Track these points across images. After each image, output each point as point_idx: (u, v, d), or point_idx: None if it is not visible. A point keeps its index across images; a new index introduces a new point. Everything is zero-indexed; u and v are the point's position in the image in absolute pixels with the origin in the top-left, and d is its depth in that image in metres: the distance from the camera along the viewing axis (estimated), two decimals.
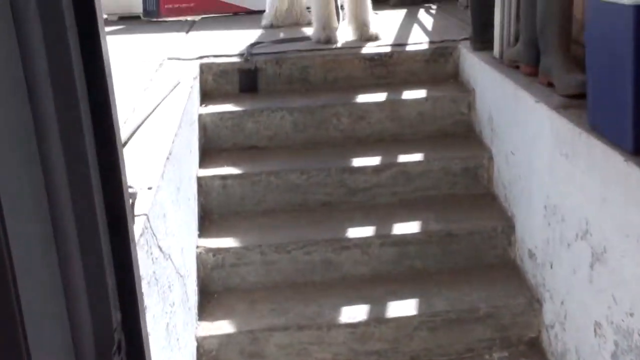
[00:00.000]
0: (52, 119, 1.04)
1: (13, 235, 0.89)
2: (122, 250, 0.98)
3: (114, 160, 1.09)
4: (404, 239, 2.88)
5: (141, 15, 4.91)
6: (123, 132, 2.26)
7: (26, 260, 0.91)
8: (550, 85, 2.60)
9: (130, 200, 1.69)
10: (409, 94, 3.42)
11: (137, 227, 1.71)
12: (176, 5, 4.91)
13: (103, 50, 1.13)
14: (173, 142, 2.33)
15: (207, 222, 3.01)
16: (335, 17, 3.79)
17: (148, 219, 1.80)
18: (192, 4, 4.93)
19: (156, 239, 1.88)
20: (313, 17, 3.87)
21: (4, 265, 0.78)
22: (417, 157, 3.17)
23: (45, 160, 1.00)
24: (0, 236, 0.87)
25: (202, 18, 4.90)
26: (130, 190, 1.70)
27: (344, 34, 3.84)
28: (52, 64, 1.06)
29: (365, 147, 3.29)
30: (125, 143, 2.25)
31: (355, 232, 2.90)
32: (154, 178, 2.00)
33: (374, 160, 3.15)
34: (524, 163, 2.71)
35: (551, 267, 2.43)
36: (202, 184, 3.04)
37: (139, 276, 1.05)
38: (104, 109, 1.10)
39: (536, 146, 2.56)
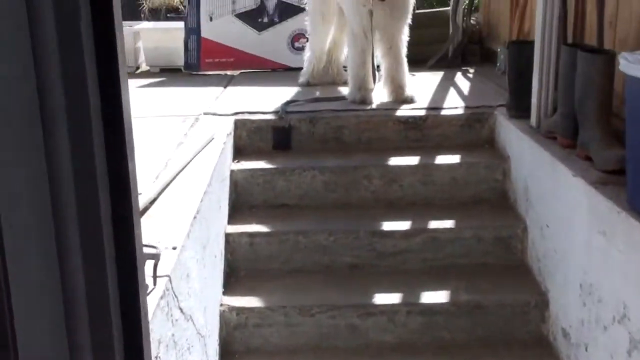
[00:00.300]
0: (69, 183, 1.03)
1: (18, 306, 0.87)
2: (133, 330, 0.95)
3: (129, 230, 1.06)
4: (432, 308, 2.80)
5: (182, 68, 5.00)
6: (153, 188, 2.26)
7: (31, 327, 0.88)
8: (588, 159, 2.54)
9: (153, 262, 1.67)
10: (442, 159, 3.38)
11: (158, 289, 1.68)
12: (216, 60, 5.00)
13: (124, 109, 1.12)
14: (202, 201, 2.32)
15: (233, 279, 2.98)
16: (372, 78, 3.80)
17: (170, 280, 1.77)
18: (232, 59, 5.02)
19: (177, 300, 1.85)
20: (349, 77, 3.89)
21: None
22: (449, 223, 3.11)
23: (59, 224, 0.98)
24: (5, 312, 0.85)
25: (241, 73, 4.97)
26: (153, 251, 1.68)
27: (380, 95, 3.84)
28: (72, 124, 1.05)
29: (395, 210, 3.24)
30: (155, 200, 2.24)
31: (382, 299, 2.83)
32: (180, 238, 1.98)
33: (404, 225, 3.10)
34: (559, 237, 2.62)
35: (586, 349, 2.32)
36: (230, 241, 3.02)
37: (149, 354, 1.02)
38: (123, 176, 1.08)
39: (572, 221, 2.48)
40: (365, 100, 3.72)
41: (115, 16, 1.12)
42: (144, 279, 1.11)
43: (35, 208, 0.97)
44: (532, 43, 3.10)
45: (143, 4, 6.71)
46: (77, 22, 1.05)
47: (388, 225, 3.11)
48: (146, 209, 2.16)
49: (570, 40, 3.08)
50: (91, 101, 1.05)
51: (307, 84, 4.30)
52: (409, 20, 3.79)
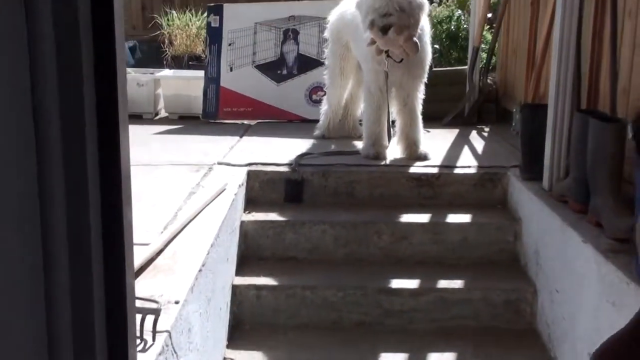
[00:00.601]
0: (61, 234, 1.03)
1: None
2: None
3: (121, 287, 1.06)
4: None
5: (200, 116, 5.07)
6: (160, 239, 2.28)
7: None
8: (599, 225, 2.52)
9: (154, 317, 1.67)
10: (454, 218, 3.37)
11: (157, 345, 1.68)
12: (234, 109, 5.07)
13: (122, 160, 1.13)
14: (208, 253, 2.33)
15: (238, 333, 2.96)
16: (386, 135, 3.82)
17: (170, 336, 1.77)
18: (249, 109, 5.08)
19: (177, 356, 1.84)
20: (364, 132, 3.92)
21: None
22: (458, 283, 3.08)
23: (48, 278, 0.98)
24: None
25: (258, 122, 5.02)
26: (154, 305, 1.68)
27: (393, 151, 3.85)
28: (69, 175, 1.06)
29: (405, 268, 3.22)
30: (161, 251, 2.25)
31: (388, 359, 2.79)
32: (183, 291, 1.98)
33: (412, 283, 3.08)
34: (568, 304, 2.59)
35: None
36: (237, 293, 3.01)
37: None
38: (117, 227, 1.09)
39: (582, 288, 2.45)
40: (379, 156, 3.74)
41: (119, 66, 1.14)
42: (135, 339, 1.10)
43: (26, 255, 0.98)
44: (545, 107, 3.11)
45: (166, 51, 6.85)
46: (78, 68, 1.07)
47: (396, 283, 3.08)
48: (152, 260, 2.17)
49: (584, 105, 3.10)
50: (88, 149, 1.06)
51: (323, 137, 4.33)
52: (425, 79, 3.83)
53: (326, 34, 4.34)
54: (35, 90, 0.99)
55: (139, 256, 2.08)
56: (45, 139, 1.02)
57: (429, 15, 5.78)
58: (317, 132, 4.39)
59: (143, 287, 1.94)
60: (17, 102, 0.95)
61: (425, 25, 3.67)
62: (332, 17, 4.20)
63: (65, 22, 1.02)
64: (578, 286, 2.49)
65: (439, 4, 6.16)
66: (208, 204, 2.87)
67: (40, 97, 0.99)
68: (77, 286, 1.01)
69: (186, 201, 2.92)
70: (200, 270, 2.19)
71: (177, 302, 1.89)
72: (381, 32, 3.41)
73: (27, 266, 0.96)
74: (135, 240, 2.31)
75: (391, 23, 3.40)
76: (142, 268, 2.08)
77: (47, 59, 1.01)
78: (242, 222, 3.26)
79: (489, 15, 5.42)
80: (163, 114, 5.33)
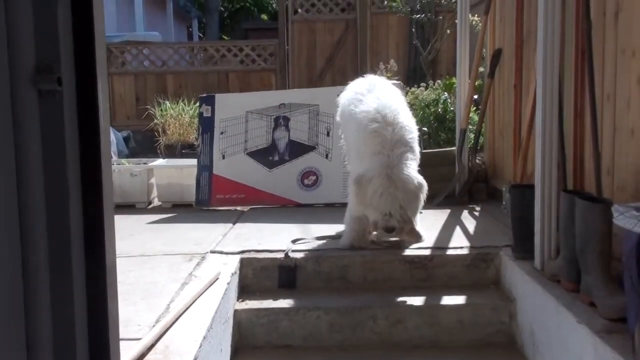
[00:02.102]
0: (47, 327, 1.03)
1: None
2: None
3: None
4: None
5: (193, 204, 5.11)
6: (151, 334, 2.26)
7: None
8: (592, 304, 2.51)
9: None
10: (448, 299, 3.35)
11: None
12: (227, 196, 5.11)
13: (108, 258, 1.14)
14: (200, 346, 2.30)
15: None
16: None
17: None
18: (242, 195, 5.13)
19: None
20: (345, 221, 3.86)
21: None
22: None
23: None
24: None
25: (251, 208, 5.05)
26: None
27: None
28: (54, 272, 1.07)
29: (401, 353, 3.18)
30: (152, 346, 2.23)
31: None
32: None
33: None
34: None
35: None
36: None
37: None
38: (103, 329, 1.09)
39: None
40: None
41: (103, 160, 1.17)
42: None
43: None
44: (533, 187, 3.16)
45: (160, 140, 6.97)
46: (63, 169, 1.10)
47: None
48: (143, 355, 2.14)
49: (571, 185, 3.14)
50: (73, 251, 1.08)
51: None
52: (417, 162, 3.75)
53: (337, 118, 4.13)
54: (21, 191, 1.01)
55: (129, 352, 2.06)
56: (30, 235, 1.04)
57: (416, 98, 5.94)
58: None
59: None
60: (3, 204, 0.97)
61: (414, 130, 3.66)
62: (341, 100, 3.98)
63: (50, 123, 1.06)
64: None
65: (426, 88, 6.33)
66: (201, 295, 2.86)
67: (25, 199, 1.02)
68: None
69: (179, 292, 2.91)
70: None
71: None
72: (385, 230, 3.45)
73: None
74: (127, 336, 2.30)
75: (393, 226, 3.42)
76: None
77: (35, 157, 1.04)
78: (236, 311, 3.23)
79: (475, 96, 5.56)
80: (156, 202, 5.36)
